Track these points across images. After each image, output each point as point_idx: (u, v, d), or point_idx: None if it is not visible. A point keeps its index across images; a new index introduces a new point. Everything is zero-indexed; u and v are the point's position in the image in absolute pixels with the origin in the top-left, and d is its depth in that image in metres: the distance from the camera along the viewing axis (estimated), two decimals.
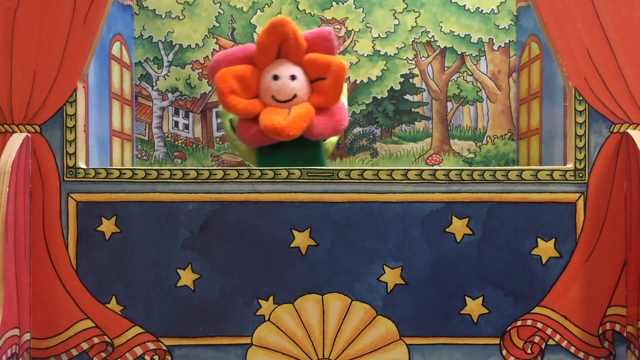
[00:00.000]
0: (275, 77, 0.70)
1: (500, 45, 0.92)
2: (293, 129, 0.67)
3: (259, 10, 0.92)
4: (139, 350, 0.65)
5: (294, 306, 0.65)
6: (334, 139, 0.78)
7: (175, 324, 0.65)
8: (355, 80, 0.92)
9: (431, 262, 0.64)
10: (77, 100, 0.65)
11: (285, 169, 0.65)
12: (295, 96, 0.70)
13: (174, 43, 0.92)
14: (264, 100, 0.70)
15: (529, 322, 0.65)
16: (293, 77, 0.70)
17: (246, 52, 0.71)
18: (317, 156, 0.73)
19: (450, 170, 0.64)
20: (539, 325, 0.65)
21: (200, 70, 0.92)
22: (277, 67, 0.71)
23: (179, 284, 0.65)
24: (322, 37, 0.72)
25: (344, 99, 0.74)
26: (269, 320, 0.65)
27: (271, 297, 0.65)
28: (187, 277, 0.65)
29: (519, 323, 0.65)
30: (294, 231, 0.64)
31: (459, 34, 0.92)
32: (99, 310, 0.65)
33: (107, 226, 0.65)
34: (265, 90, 0.70)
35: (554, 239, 0.64)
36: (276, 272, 0.64)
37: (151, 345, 0.65)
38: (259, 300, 0.65)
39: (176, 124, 0.93)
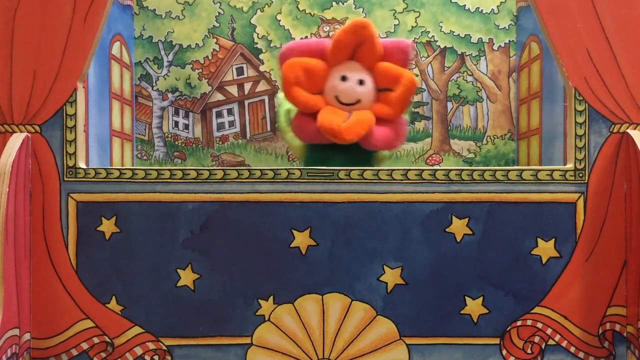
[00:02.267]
0: (344, 78, 0.69)
1: (500, 45, 0.92)
2: (350, 134, 0.66)
3: (259, 10, 0.92)
4: (139, 350, 0.65)
5: (294, 306, 0.65)
6: (386, 152, 0.76)
7: (175, 324, 0.65)
8: None
9: (431, 262, 0.64)
10: (77, 100, 0.65)
11: (285, 169, 0.65)
12: (359, 101, 0.69)
13: (174, 43, 0.92)
14: (327, 99, 0.70)
15: (529, 322, 0.65)
16: (361, 82, 0.69)
17: (320, 46, 0.70)
18: (367, 165, 0.71)
19: (450, 170, 0.64)
20: (539, 325, 0.65)
21: (200, 70, 0.92)
22: (348, 68, 0.70)
23: (179, 284, 0.65)
24: (400, 48, 0.71)
25: (406, 115, 0.74)
26: (269, 320, 0.65)
27: (271, 297, 0.65)
28: (187, 277, 0.65)
29: (519, 323, 0.65)
30: (294, 231, 0.64)
31: (459, 34, 0.92)
32: (99, 310, 0.65)
33: (107, 226, 0.65)
34: (331, 89, 0.69)
35: (554, 239, 0.64)
36: (276, 272, 0.64)
37: (151, 345, 0.65)
38: (259, 300, 0.65)
39: (176, 124, 0.93)
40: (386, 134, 0.70)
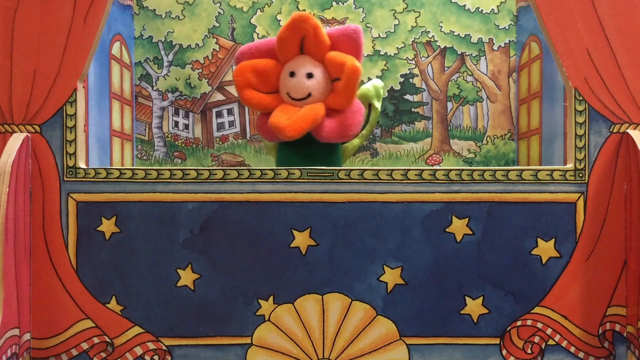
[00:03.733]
0: (292, 74, 0.69)
1: (500, 45, 0.92)
2: (292, 130, 0.66)
3: (259, 10, 0.92)
4: (139, 350, 0.65)
5: (294, 306, 0.65)
6: (355, 142, 0.75)
7: (175, 324, 0.65)
8: None
9: (431, 262, 0.64)
10: (77, 100, 0.65)
11: (286, 169, 0.65)
12: (309, 95, 0.69)
13: (174, 43, 0.92)
14: (282, 96, 0.70)
15: (529, 322, 0.65)
16: (310, 75, 0.69)
17: (269, 45, 0.70)
18: (331, 157, 0.71)
19: (450, 170, 0.64)
20: (539, 325, 0.65)
21: (200, 70, 0.92)
22: (297, 63, 0.69)
23: (179, 284, 0.65)
24: (347, 35, 0.69)
25: (378, 103, 0.73)
26: (269, 320, 0.65)
27: (271, 297, 0.65)
28: (187, 277, 0.65)
29: (519, 323, 0.65)
30: (294, 231, 0.64)
31: (459, 34, 0.92)
32: (99, 310, 0.65)
33: (107, 226, 0.65)
34: (282, 86, 0.70)
35: (554, 239, 0.64)
36: (276, 272, 0.64)
37: (151, 345, 0.65)
38: (259, 300, 0.65)
39: (176, 124, 0.93)
40: (337, 125, 0.68)
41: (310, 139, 0.68)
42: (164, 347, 0.65)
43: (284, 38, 0.69)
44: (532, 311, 0.65)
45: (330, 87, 0.69)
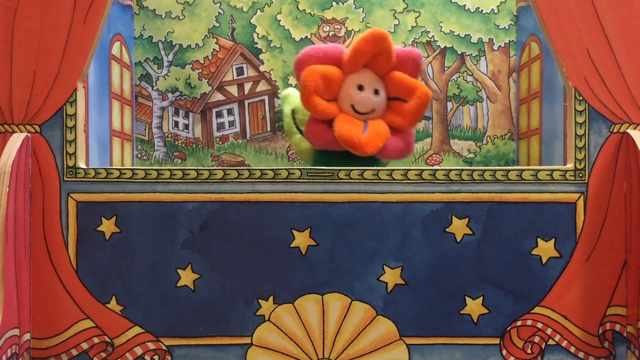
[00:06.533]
0: (360, 88, 0.70)
1: (500, 45, 0.92)
2: (370, 147, 0.67)
3: (259, 10, 0.92)
4: (139, 350, 0.65)
5: (294, 306, 0.65)
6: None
7: (175, 324, 0.65)
8: None
9: (431, 262, 0.64)
10: (77, 100, 0.65)
11: (286, 169, 0.65)
12: (373, 110, 0.70)
13: (174, 43, 0.92)
14: (342, 106, 0.70)
15: (529, 322, 0.65)
16: (376, 92, 0.70)
17: (337, 53, 0.71)
18: None
19: (450, 170, 0.64)
20: (539, 325, 0.65)
21: (200, 70, 0.92)
22: (363, 77, 0.71)
23: (179, 284, 0.65)
24: (412, 59, 0.72)
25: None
26: (269, 320, 0.65)
27: (271, 297, 0.65)
28: (187, 277, 0.65)
29: (519, 323, 0.65)
30: (294, 231, 0.64)
31: (459, 34, 0.92)
32: (99, 310, 0.65)
33: (107, 226, 0.65)
34: (347, 97, 0.70)
35: (554, 239, 0.64)
36: (276, 272, 0.64)
37: (151, 345, 0.65)
38: (259, 300, 0.65)
39: (176, 124, 0.93)
40: (399, 144, 0.71)
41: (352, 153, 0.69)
42: (164, 347, 0.65)
43: (361, 51, 0.69)
44: (532, 311, 0.65)
45: (387, 105, 0.71)
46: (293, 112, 0.75)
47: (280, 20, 0.92)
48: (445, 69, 0.92)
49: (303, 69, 0.70)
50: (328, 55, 0.71)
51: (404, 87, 0.71)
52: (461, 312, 0.65)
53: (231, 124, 0.93)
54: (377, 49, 0.69)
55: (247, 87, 0.93)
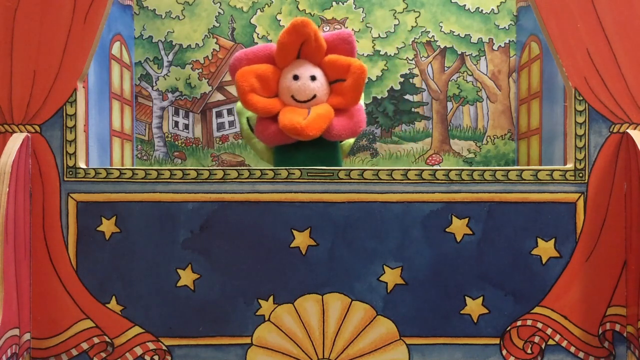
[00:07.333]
0: (296, 77, 0.70)
1: (500, 45, 0.92)
2: (313, 129, 0.67)
3: (259, 10, 0.92)
4: (139, 350, 0.65)
5: (294, 306, 0.65)
6: (350, 140, 0.78)
7: (175, 324, 0.65)
8: None
9: (431, 262, 0.64)
10: (77, 100, 0.65)
11: (286, 169, 0.65)
12: (314, 96, 0.71)
13: (174, 43, 0.92)
14: (283, 100, 0.71)
15: (529, 322, 0.65)
16: (313, 78, 0.71)
17: (267, 51, 0.71)
18: (334, 156, 0.73)
19: (450, 170, 0.64)
20: (539, 325, 0.65)
21: (200, 70, 0.92)
22: (298, 67, 0.71)
23: (179, 284, 0.65)
24: (342, 39, 0.72)
25: (361, 101, 0.75)
26: (269, 320, 0.65)
27: (271, 297, 0.65)
28: (187, 277, 0.65)
29: (519, 323, 0.65)
30: (294, 231, 0.64)
31: (459, 34, 0.92)
32: (99, 310, 0.65)
33: (107, 226, 0.65)
34: (285, 89, 0.71)
35: (554, 239, 0.64)
36: (276, 272, 0.64)
37: (151, 345, 0.65)
38: (259, 300, 0.65)
39: (176, 124, 0.93)
40: (345, 122, 0.71)
41: (311, 140, 0.69)
42: (164, 347, 0.65)
43: (286, 43, 0.70)
44: (532, 311, 0.65)
45: (330, 89, 0.71)
46: (248, 120, 0.76)
47: (280, 20, 0.92)
48: (445, 69, 0.92)
49: (236, 73, 0.70)
50: (258, 55, 0.71)
51: (338, 67, 0.71)
52: (461, 312, 0.65)
53: (231, 124, 0.93)
54: (301, 38, 0.70)
55: None
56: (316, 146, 0.70)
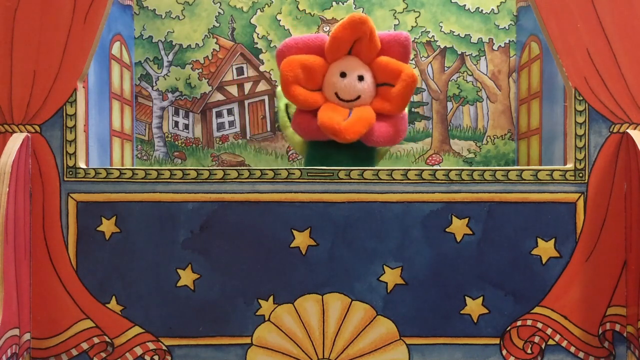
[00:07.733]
0: (343, 75, 0.69)
1: (500, 45, 0.92)
2: (351, 133, 0.66)
3: (259, 10, 0.92)
4: (139, 350, 0.65)
5: (294, 306, 0.65)
6: (387, 147, 0.76)
7: (175, 324, 0.65)
8: None
9: (431, 262, 0.64)
10: (77, 100, 0.65)
11: (286, 169, 0.65)
12: (359, 97, 0.69)
13: (174, 43, 0.92)
14: (327, 95, 0.69)
15: (529, 322, 0.65)
16: (361, 78, 0.69)
17: (318, 42, 0.70)
18: (369, 161, 0.72)
19: (450, 170, 0.64)
20: (539, 325, 0.65)
21: (200, 70, 0.92)
22: (347, 64, 0.69)
23: (179, 284, 0.65)
24: (398, 42, 0.70)
25: (406, 110, 0.73)
26: (269, 320, 0.65)
27: (271, 297, 0.65)
28: (187, 277, 0.65)
29: (519, 323, 0.65)
30: (294, 231, 0.64)
31: (459, 34, 0.92)
32: (99, 310, 0.65)
33: (107, 226, 0.65)
34: (330, 85, 0.69)
35: (554, 239, 0.64)
36: (276, 272, 0.64)
37: (151, 345, 0.65)
38: (259, 300, 0.65)
39: (176, 124, 0.93)
40: (387, 130, 0.70)
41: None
42: (164, 347, 0.65)
43: (340, 37, 0.68)
44: (532, 311, 0.65)
45: (375, 91, 0.70)
46: (286, 106, 0.75)
47: (280, 20, 0.92)
48: (445, 69, 0.92)
49: (283, 60, 0.69)
50: (309, 44, 0.69)
51: (389, 72, 0.69)
52: (461, 312, 0.65)
53: (231, 124, 0.93)
54: (356, 35, 0.68)
55: (247, 87, 0.93)
56: (353, 148, 0.69)
